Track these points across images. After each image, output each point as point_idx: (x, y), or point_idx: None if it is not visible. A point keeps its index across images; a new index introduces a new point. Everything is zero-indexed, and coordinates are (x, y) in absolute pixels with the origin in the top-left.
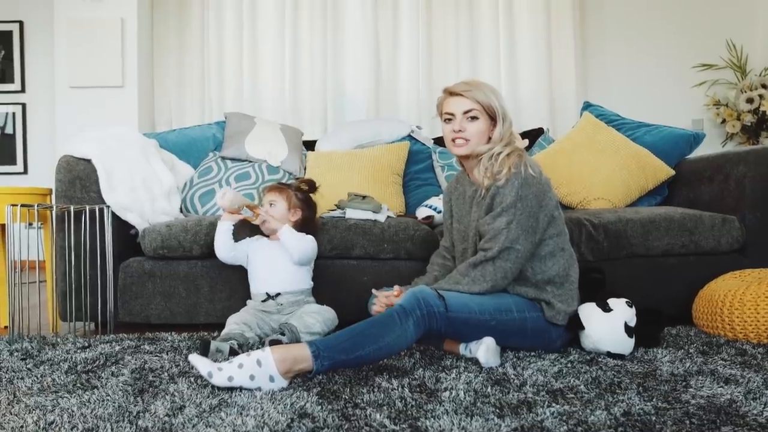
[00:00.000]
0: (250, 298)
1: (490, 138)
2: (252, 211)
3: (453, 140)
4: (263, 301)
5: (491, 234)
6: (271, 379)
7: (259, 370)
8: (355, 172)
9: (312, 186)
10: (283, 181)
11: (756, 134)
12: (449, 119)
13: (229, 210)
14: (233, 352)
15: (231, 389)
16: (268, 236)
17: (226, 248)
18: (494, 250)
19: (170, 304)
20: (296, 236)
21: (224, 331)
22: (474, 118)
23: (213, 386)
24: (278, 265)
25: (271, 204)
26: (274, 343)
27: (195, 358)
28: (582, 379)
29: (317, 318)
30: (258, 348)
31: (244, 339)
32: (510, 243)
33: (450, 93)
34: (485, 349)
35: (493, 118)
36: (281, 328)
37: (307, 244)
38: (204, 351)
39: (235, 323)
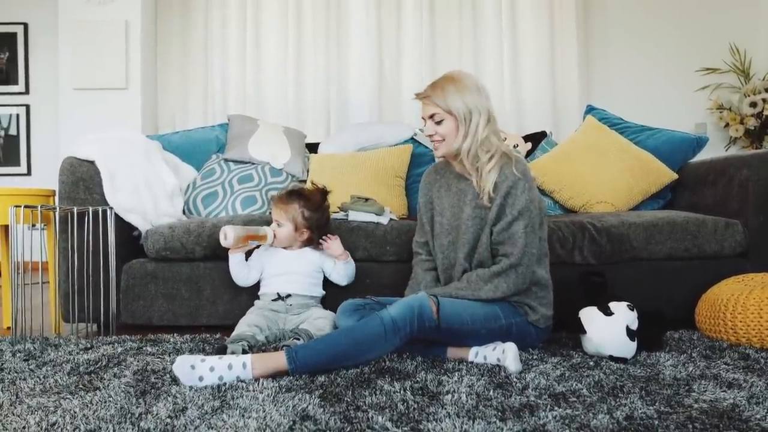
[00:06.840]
0: (258, 298)
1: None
2: (258, 240)
3: (432, 141)
4: (273, 300)
5: (509, 240)
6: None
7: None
8: (358, 175)
9: (323, 196)
10: (287, 184)
11: (759, 138)
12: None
13: (235, 247)
14: (244, 353)
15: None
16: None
17: (243, 276)
18: (516, 255)
19: (173, 306)
20: (351, 268)
21: (235, 333)
22: (440, 121)
23: (214, 388)
24: (293, 269)
25: (278, 224)
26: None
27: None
28: (584, 383)
29: (325, 322)
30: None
31: (256, 341)
32: (529, 247)
33: (418, 97)
34: (513, 357)
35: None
36: (296, 333)
37: (353, 269)
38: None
39: (246, 325)
